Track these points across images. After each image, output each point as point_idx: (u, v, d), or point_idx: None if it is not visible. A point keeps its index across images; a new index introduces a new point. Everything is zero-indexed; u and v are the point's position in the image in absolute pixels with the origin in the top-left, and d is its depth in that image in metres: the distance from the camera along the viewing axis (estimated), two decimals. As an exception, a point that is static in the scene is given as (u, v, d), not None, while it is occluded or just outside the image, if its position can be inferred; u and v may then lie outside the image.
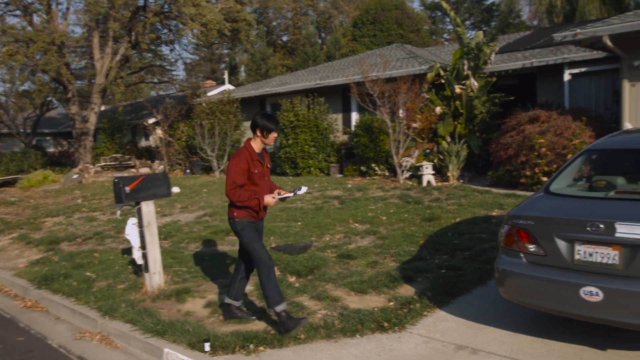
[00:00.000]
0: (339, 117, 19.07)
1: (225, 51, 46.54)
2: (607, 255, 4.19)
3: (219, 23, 21.13)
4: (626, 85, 11.01)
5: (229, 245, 8.70)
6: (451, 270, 6.67)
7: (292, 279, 6.76)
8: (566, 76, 14.73)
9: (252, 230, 5.23)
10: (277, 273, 7.04)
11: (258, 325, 5.37)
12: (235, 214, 5.19)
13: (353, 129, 16.94)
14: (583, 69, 14.43)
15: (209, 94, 26.00)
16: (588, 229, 4.26)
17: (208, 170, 20.82)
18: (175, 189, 15.26)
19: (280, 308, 5.09)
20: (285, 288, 6.30)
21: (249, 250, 5.24)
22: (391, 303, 5.76)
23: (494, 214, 9.47)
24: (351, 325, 5.21)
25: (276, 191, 5.32)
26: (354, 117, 18.62)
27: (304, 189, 5.29)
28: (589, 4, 24.26)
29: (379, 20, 36.75)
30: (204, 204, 12.76)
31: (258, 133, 5.16)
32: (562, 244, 4.40)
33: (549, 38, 13.43)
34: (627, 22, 10.39)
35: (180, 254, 8.24)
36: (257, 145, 5.21)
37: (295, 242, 8.36)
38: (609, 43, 10.55)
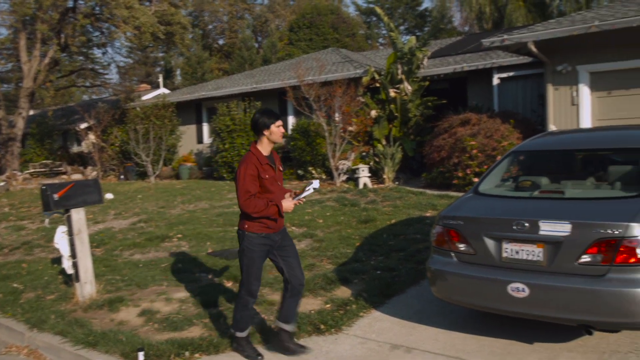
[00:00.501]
0: (276, 121, 18.99)
1: (160, 54, 45.69)
2: (532, 253, 4.36)
3: (152, 26, 20.75)
4: (550, 89, 11.50)
5: (165, 251, 8.55)
6: (386, 271, 6.79)
7: (229, 284, 6.70)
8: (495, 80, 15.25)
9: (260, 251, 4.62)
10: (214, 279, 6.99)
11: (193, 332, 5.30)
12: (246, 225, 4.58)
13: (290, 132, 16.98)
14: (511, 74, 14.97)
15: (144, 98, 25.47)
16: (514, 227, 4.42)
17: (143, 175, 20.39)
18: (109, 196, 14.89)
19: (240, 334, 4.77)
20: (222, 294, 6.25)
21: (242, 269, 4.67)
22: (328, 305, 5.80)
23: (428, 214, 9.69)
24: (288, 329, 5.21)
25: (287, 194, 4.72)
26: (291, 120, 18.66)
27: (316, 183, 4.72)
28: (516, 11, 25.19)
29: (315, 24, 36.95)
30: (139, 210, 12.49)
31: (264, 132, 4.57)
32: (490, 243, 4.55)
33: (478, 43, 13.87)
34: (550, 29, 10.86)
35: (113, 262, 8.04)
36: (264, 147, 4.63)
37: (231, 247, 8.30)
38: (533, 49, 10.99)
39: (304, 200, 4.76)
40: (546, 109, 11.64)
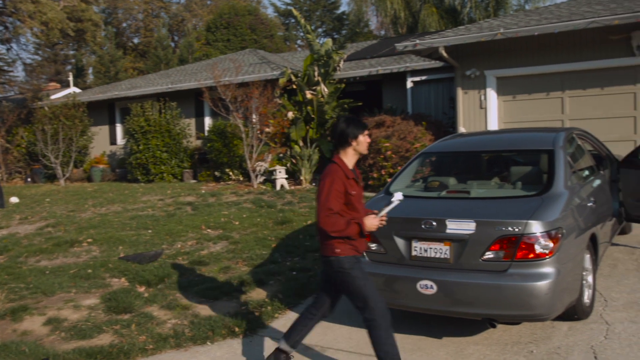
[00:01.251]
0: (191, 121, 18.77)
1: (71, 52, 43.92)
2: (440, 250, 4.52)
3: (61, 22, 19.95)
4: (460, 93, 11.95)
5: (74, 257, 8.23)
6: (302, 272, 6.83)
7: (142, 289, 6.54)
8: (409, 83, 15.66)
9: (359, 269, 4.06)
10: (126, 284, 6.80)
11: (103, 340, 5.13)
12: (337, 250, 3.99)
13: (206, 133, 16.75)
14: (423, 77, 15.42)
15: (53, 97, 24.34)
16: (423, 226, 4.57)
17: (52, 178, 19.52)
18: (13, 199, 14.17)
19: None
20: (134, 299, 6.08)
21: (359, 295, 4.00)
22: (243, 308, 5.78)
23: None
24: (202, 333, 5.15)
25: (371, 213, 4.16)
26: (207, 121, 18.42)
27: (399, 195, 4.21)
28: (429, 17, 25.99)
29: (232, 25, 36.61)
30: (47, 214, 11.95)
31: (351, 143, 4.07)
32: (400, 242, 4.68)
33: (393, 47, 14.24)
34: (459, 35, 11.28)
35: (17, 270, 7.64)
36: (349, 159, 4.11)
37: (145, 251, 8.10)
38: (444, 54, 11.38)
39: (387, 216, 4.21)
40: (456, 111, 12.08)
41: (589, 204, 5.20)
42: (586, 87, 11.00)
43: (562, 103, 11.22)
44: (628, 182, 6.62)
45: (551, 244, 4.25)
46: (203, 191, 13.63)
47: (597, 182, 5.94)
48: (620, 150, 8.13)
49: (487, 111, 11.69)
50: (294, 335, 4.33)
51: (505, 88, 11.72)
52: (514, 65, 11.50)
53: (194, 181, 16.65)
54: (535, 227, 4.24)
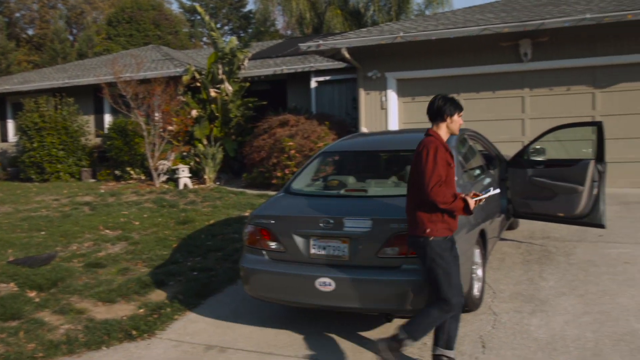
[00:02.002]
0: (90, 118, 18.04)
1: (-44, 42, 40.95)
2: (338, 248, 4.60)
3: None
4: (362, 94, 12.23)
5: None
6: (203, 272, 6.76)
7: (32, 294, 6.21)
8: (313, 83, 15.83)
9: (454, 254, 3.99)
10: (15, 289, 6.44)
11: (-12, 348, 4.85)
12: (428, 230, 3.86)
13: (106, 131, 16.16)
14: (327, 77, 15.64)
15: None
16: (321, 224, 4.63)
17: None
18: None
19: (405, 340, 3.93)
20: (23, 304, 5.78)
21: (436, 279, 3.90)
22: (141, 310, 5.63)
23: (247, 214, 9.79)
24: (97, 338, 4.98)
25: (472, 192, 4.12)
26: (107, 119, 17.77)
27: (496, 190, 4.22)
28: (334, 18, 26.37)
29: (135, 19, 35.49)
30: None
31: (446, 119, 4.07)
32: (299, 240, 4.73)
33: (297, 47, 14.32)
34: (361, 37, 11.54)
35: None
36: (442, 134, 4.12)
37: (37, 254, 7.70)
38: (346, 55, 11.60)
39: (483, 201, 4.13)
40: (359, 112, 12.34)
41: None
42: (479, 91, 11.58)
43: (457, 105, 11.72)
44: (515, 180, 7.03)
45: (442, 240, 4.42)
46: (102, 190, 13.15)
47: (487, 180, 6.26)
48: (511, 151, 8.60)
49: (388, 112, 12.03)
50: (442, 335, 4.05)
51: (405, 90, 12.11)
52: (414, 68, 11.91)
53: (93, 180, 16.02)
54: (428, 224, 4.39)
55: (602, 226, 5.59)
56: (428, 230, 3.89)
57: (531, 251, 6.98)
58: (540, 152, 7.10)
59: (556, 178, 6.62)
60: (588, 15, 9.93)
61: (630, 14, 9.73)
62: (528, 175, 6.85)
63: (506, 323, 4.89)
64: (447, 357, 4.03)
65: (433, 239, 3.90)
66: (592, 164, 6.41)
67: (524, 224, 8.24)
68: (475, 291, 5.17)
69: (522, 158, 7.08)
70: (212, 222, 9.30)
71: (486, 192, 4.16)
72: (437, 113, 4.12)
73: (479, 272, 5.32)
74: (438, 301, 3.93)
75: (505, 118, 11.45)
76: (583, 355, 4.01)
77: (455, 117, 4.11)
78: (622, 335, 4.48)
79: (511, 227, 7.90)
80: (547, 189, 6.69)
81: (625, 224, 8.04)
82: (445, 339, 4.04)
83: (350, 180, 5.64)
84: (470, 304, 5.04)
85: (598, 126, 6.40)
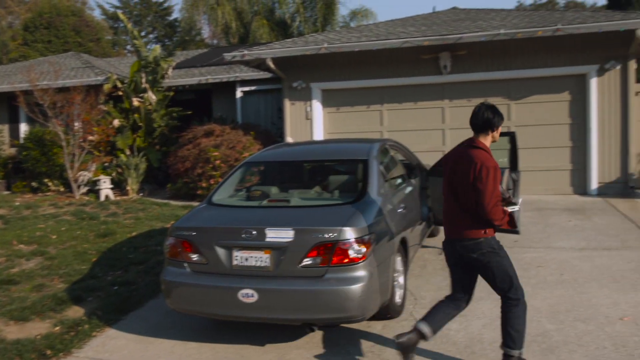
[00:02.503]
0: (4, 128, 17.26)
1: None
2: (260, 259, 4.59)
3: None
4: (287, 104, 12.28)
5: None
6: (124, 286, 6.57)
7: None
8: (238, 93, 15.77)
9: (502, 250, 4.06)
10: None
11: None
12: (483, 231, 3.96)
13: (22, 141, 15.46)
14: (253, 87, 15.61)
15: None
16: (243, 235, 4.61)
17: None
18: None
19: (517, 353, 4.01)
20: None
21: (505, 275, 3.99)
22: (57, 328, 5.41)
23: (170, 226, 9.60)
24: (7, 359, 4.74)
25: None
26: (23, 128, 17.04)
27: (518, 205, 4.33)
28: (260, 28, 26.36)
29: (54, 25, 34.19)
30: None
31: (492, 131, 4.07)
32: (221, 252, 4.68)
33: (222, 57, 14.24)
34: (286, 48, 11.61)
35: None
36: (488, 145, 4.10)
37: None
38: (271, 65, 11.63)
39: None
40: (284, 122, 12.38)
41: (399, 210, 5.60)
42: (402, 102, 11.87)
43: (381, 115, 11.99)
44: (436, 189, 7.22)
45: (364, 249, 4.50)
46: (17, 203, 12.55)
47: (408, 189, 6.42)
48: (432, 160, 8.84)
49: (313, 122, 12.13)
50: (434, 323, 4.17)
51: (329, 100, 12.25)
52: (338, 78, 12.07)
53: (8, 192, 15.27)
54: (349, 233, 4.46)
55: (517, 232, 5.79)
56: (484, 232, 3.98)
57: (451, 258, 7.18)
58: None
59: None
60: (502, 31, 10.39)
61: (540, 31, 10.25)
62: (447, 184, 7.05)
63: (426, 329, 5.00)
64: (424, 336, 4.14)
65: (489, 238, 4.00)
66: (506, 173, 6.68)
67: (445, 231, 8.47)
68: (397, 298, 5.27)
69: (442, 167, 7.28)
70: (134, 234, 9.07)
71: (512, 208, 4.27)
72: (485, 124, 4.06)
73: (401, 279, 5.43)
74: (513, 295, 4.01)
75: (427, 128, 11.79)
76: (499, 357, 4.15)
77: (500, 128, 4.14)
78: (535, 337, 4.68)
79: (432, 235, 8.11)
80: (465, 197, 6.90)
81: (538, 229, 8.42)
82: (435, 327, 4.20)
83: (274, 190, 5.65)
84: (392, 312, 5.14)
85: (511, 136, 6.69)
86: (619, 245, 7.39)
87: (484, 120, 4.05)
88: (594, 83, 10.87)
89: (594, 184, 11.02)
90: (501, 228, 4.08)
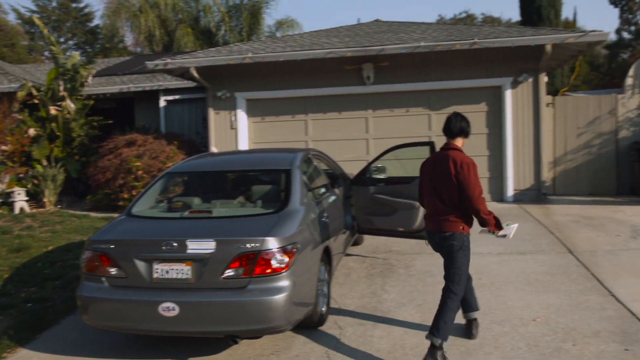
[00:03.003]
0: None
1: None
2: (182, 271, 4.51)
3: None
4: (212, 113, 12.17)
5: None
6: (39, 303, 6.30)
7: None
8: (162, 102, 15.48)
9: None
10: None
11: None
12: (461, 227, 4.52)
13: None
14: (177, 96, 15.38)
15: None
16: (164, 248, 4.52)
17: None
18: None
19: (439, 341, 4.35)
20: None
21: (455, 271, 4.53)
22: (-37, 350, 5.12)
23: (87, 239, 9.29)
24: None
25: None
26: None
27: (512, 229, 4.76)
28: (185, 37, 25.98)
29: (-37, 29, 32.59)
30: None
31: (463, 138, 4.73)
32: (141, 265, 4.57)
33: (145, 65, 13.94)
34: (210, 57, 11.51)
35: None
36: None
37: None
38: (195, 74, 11.50)
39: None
40: (208, 131, 12.25)
41: (323, 219, 5.64)
42: (326, 111, 12.00)
43: (306, 125, 12.07)
44: (359, 198, 7.34)
45: (287, 259, 4.51)
46: None
47: (332, 198, 6.48)
48: (356, 169, 8.96)
49: (238, 131, 12.07)
50: (441, 325, 4.41)
51: (254, 110, 12.23)
52: (263, 88, 12.08)
53: None
54: (272, 243, 4.46)
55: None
56: (462, 228, 4.52)
57: (375, 265, 7.31)
58: (381, 170, 7.49)
59: (395, 195, 7.00)
60: (422, 44, 10.70)
61: (458, 44, 10.63)
62: (370, 193, 7.19)
63: (351, 336, 5.06)
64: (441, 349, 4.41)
65: (465, 234, 4.55)
66: None
67: (368, 240, 8.61)
68: (322, 307, 5.30)
69: (364, 176, 7.42)
70: (50, 248, 8.71)
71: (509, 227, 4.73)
72: (460, 131, 4.68)
73: (325, 288, 5.47)
74: (453, 287, 4.52)
75: (351, 138, 11.96)
76: (420, 361, 4.27)
77: (466, 140, 4.76)
78: (453, 340, 4.82)
79: (356, 243, 8.22)
80: (387, 206, 7.05)
81: (458, 236, 8.68)
82: (474, 303, 5.00)
83: (196, 201, 5.57)
84: (317, 320, 5.17)
85: (431, 146, 6.88)
86: (532, 249, 7.73)
87: (460, 128, 4.67)
88: (508, 95, 11.36)
89: (510, 191, 11.50)
90: (489, 229, 4.60)
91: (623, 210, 9.98)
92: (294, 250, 4.60)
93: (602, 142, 11.67)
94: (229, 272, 4.45)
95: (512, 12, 71.71)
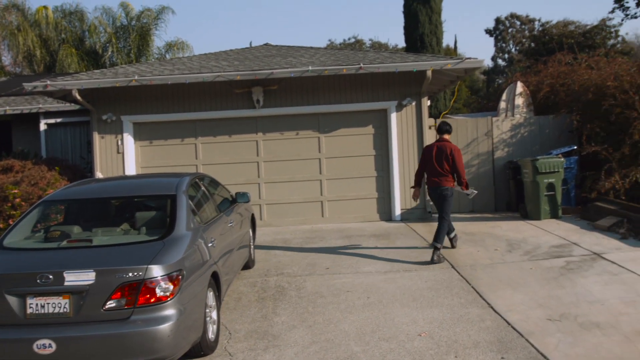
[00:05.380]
0: None
1: None
2: (59, 305, 4.29)
3: None
4: (97, 137, 11.71)
5: None
6: None
7: None
8: (43, 126, 14.71)
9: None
10: None
11: None
12: (451, 184, 8.34)
13: None
14: (59, 120, 14.68)
15: None
16: (39, 281, 4.28)
17: None
18: None
19: (440, 245, 8.20)
20: None
21: (447, 206, 8.38)
22: None
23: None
24: None
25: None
26: None
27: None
28: (69, 57, 24.86)
29: None
30: None
31: (450, 133, 8.74)
32: (13, 300, 4.30)
33: (23, 87, 13.21)
34: (94, 79, 11.10)
35: None
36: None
37: None
38: (78, 97, 11.04)
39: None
40: (93, 156, 11.78)
41: (210, 244, 5.57)
42: (217, 135, 11.90)
43: (195, 149, 11.90)
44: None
45: (172, 286, 4.41)
46: None
47: (219, 223, 6.42)
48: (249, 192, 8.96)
49: (125, 156, 11.68)
50: (441, 237, 8.31)
51: (142, 133, 11.91)
52: (151, 111, 11.80)
53: None
54: (156, 271, 4.35)
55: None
56: (450, 184, 8.34)
57: (266, 288, 7.29)
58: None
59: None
60: (310, 68, 10.92)
61: (344, 69, 10.95)
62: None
63: (241, 363, 5.01)
64: (435, 247, 8.23)
65: (451, 187, 8.35)
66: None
67: (260, 263, 8.59)
68: (210, 334, 5.21)
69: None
70: None
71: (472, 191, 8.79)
72: (445, 131, 8.62)
73: (213, 314, 5.39)
74: (445, 217, 8.38)
75: (242, 161, 11.92)
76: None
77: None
78: (343, 360, 4.90)
79: (247, 267, 8.17)
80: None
81: (348, 255, 8.86)
82: (441, 238, 8.31)
83: (75, 230, 5.33)
84: (205, 348, 5.07)
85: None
86: (418, 266, 8.03)
87: (444, 129, 8.63)
88: (394, 118, 11.81)
89: (397, 211, 11.90)
90: (462, 190, 8.51)
91: (500, 226, 10.61)
92: (180, 277, 4.51)
93: (480, 162, 12.38)
94: (111, 304, 4.29)
95: (398, 38, 74.99)
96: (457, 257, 8.44)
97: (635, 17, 23.75)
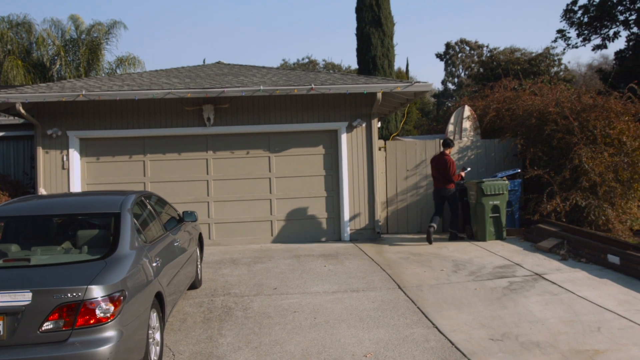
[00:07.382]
0: None
1: None
2: (-8, 327, 4.13)
3: None
4: (41, 152, 11.40)
5: None
6: None
7: None
8: (-16, 140, 14.26)
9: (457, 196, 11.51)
10: None
11: None
12: (451, 186, 11.15)
13: None
14: (2, 133, 14.23)
15: None
16: (-29, 302, 4.12)
17: None
18: None
19: (455, 231, 11.44)
20: None
21: (454, 205, 11.36)
22: None
23: None
24: None
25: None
26: None
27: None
28: (14, 69, 24.24)
29: None
30: None
31: (451, 147, 11.57)
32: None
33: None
34: (39, 93, 10.84)
35: None
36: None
37: None
38: (22, 110, 10.74)
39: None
40: (37, 171, 11.46)
41: (155, 264, 5.48)
42: (166, 152, 11.75)
43: (144, 166, 11.71)
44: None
45: (113, 307, 4.31)
46: None
47: (165, 242, 6.32)
48: (198, 210, 8.83)
49: (70, 172, 11.40)
50: (456, 225, 11.44)
51: (89, 149, 11.66)
52: (99, 127, 11.58)
53: None
54: (96, 292, 4.25)
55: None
56: (450, 187, 11.10)
57: (212, 309, 7.19)
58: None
59: None
60: (262, 87, 10.95)
61: (296, 89, 11.02)
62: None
63: (182, 385, 4.92)
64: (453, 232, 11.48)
65: (453, 189, 11.15)
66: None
67: (207, 282, 8.49)
68: (153, 356, 5.11)
69: None
70: None
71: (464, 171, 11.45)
72: (447, 146, 11.35)
73: (157, 335, 5.29)
74: (456, 212, 11.37)
75: (192, 179, 11.80)
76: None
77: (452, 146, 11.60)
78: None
79: (194, 287, 8.05)
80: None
81: (296, 275, 8.84)
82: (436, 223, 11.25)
83: (13, 248, 5.16)
84: (147, 371, 4.95)
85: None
86: (365, 286, 8.08)
87: (447, 144, 11.36)
88: (344, 138, 11.92)
89: (347, 231, 11.97)
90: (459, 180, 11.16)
91: (447, 247, 10.79)
92: (122, 298, 4.41)
93: (428, 183, 12.58)
94: (48, 325, 4.16)
95: (351, 60, 75.94)
96: (404, 277, 8.53)
97: (576, 47, 24.82)
